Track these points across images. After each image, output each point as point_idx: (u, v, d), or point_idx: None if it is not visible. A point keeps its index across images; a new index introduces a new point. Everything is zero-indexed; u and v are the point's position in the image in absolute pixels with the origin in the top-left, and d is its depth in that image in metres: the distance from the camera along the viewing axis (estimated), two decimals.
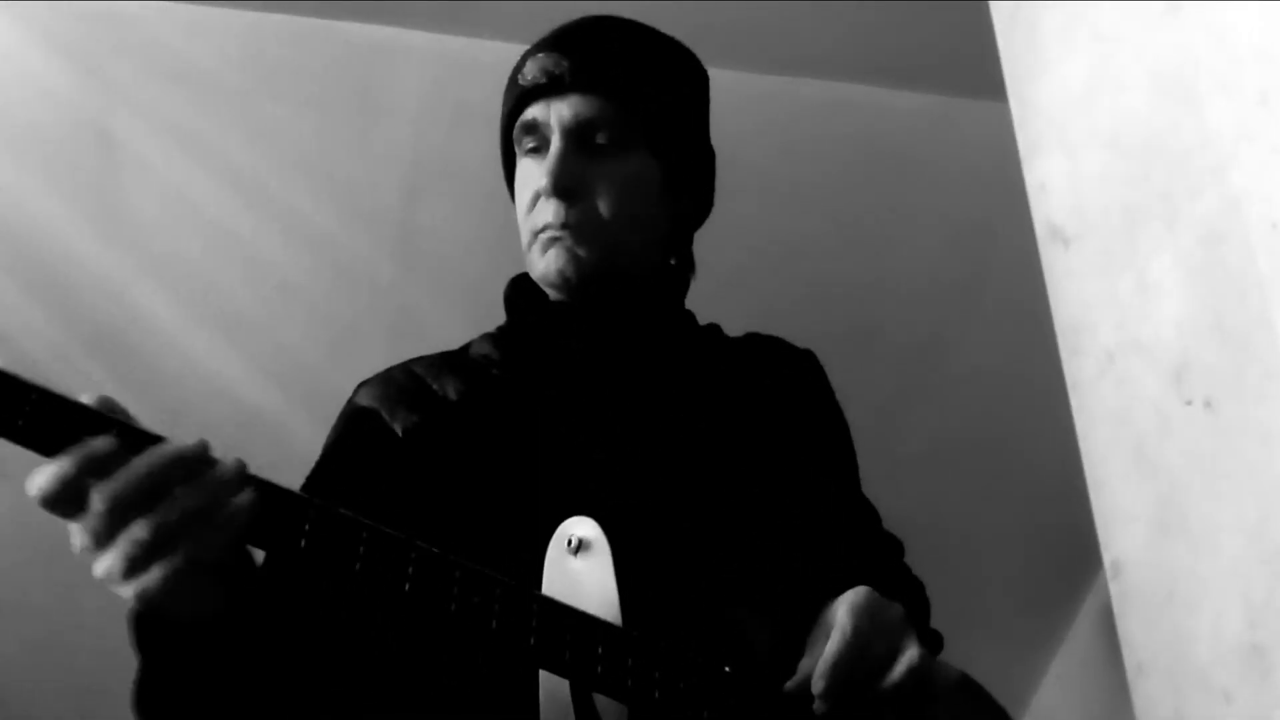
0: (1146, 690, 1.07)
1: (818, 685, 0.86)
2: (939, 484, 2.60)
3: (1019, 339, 2.12)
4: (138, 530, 0.71)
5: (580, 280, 1.09)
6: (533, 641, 0.80)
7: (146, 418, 0.80)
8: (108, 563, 0.72)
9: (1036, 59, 1.25)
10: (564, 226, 1.08)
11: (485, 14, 2.13)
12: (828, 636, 0.89)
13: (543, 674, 0.85)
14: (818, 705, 0.87)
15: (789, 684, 0.89)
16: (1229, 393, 0.97)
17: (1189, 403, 1.01)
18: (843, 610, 0.89)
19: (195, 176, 2.26)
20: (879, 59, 2.35)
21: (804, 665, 0.90)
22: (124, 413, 0.77)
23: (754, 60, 2.33)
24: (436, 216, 2.35)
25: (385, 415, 1.06)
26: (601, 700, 0.84)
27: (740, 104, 2.40)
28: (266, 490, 0.77)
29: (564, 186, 1.07)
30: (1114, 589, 1.12)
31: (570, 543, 0.89)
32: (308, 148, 2.30)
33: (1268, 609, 0.92)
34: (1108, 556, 1.13)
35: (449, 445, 1.03)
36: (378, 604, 0.88)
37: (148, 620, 0.79)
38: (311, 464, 1.09)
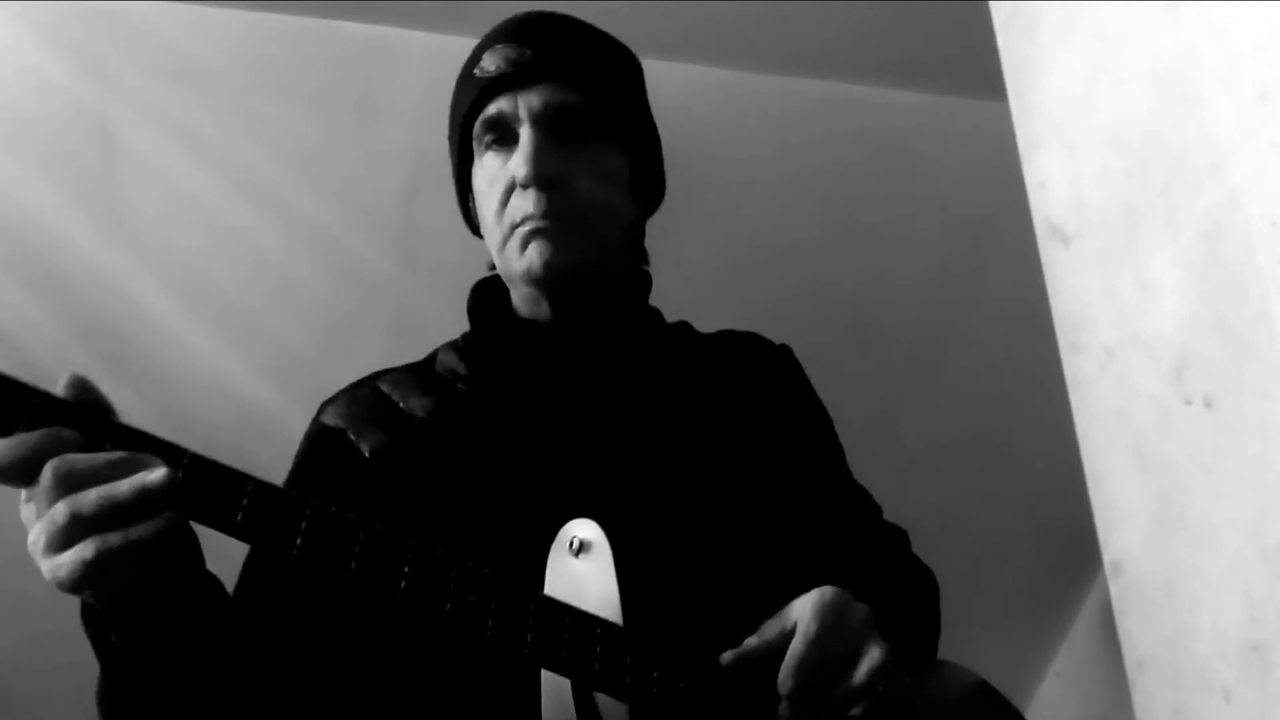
0: (1146, 687, 1.07)
1: (784, 686, 0.85)
2: (938, 481, 2.60)
3: (1019, 336, 2.12)
4: (59, 508, 0.72)
5: (565, 271, 1.06)
6: (530, 640, 0.80)
7: (145, 415, 0.80)
8: (35, 532, 0.74)
9: (1036, 57, 1.25)
10: (546, 215, 1.04)
11: (485, 14, 2.13)
12: (782, 627, 0.88)
13: (545, 673, 0.85)
14: (783, 708, 0.86)
15: (726, 656, 0.88)
16: (1229, 389, 0.97)
17: (1189, 399, 1.01)
18: (807, 609, 0.88)
19: (196, 175, 2.26)
20: (879, 58, 2.36)
21: (748, 643, 0.88)
22: (96, 392, 0.78)
23: (754, 59, 2.33)
24: (436, 215, 2.34)
25: (352, 435, 1.05)
26: (604, 700, 0.84)
27: (740, 103, 2.41)
28: (261, 489, 0.77)
29: (545, 175, 1.04)
30: (1114, 586, 1.12)
31: (572, 544, 0.89)
32: (308, 146, 2.30)
33: (1268, 606, 0.92)
34: (1107, 554, 1.13)
35: (418, 464, 1.02)
36: (373, 605, 0.88)
37: (99, 623, 0.79)
38: None
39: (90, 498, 0.72)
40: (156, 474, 0.74)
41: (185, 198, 2.27)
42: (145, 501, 0.73)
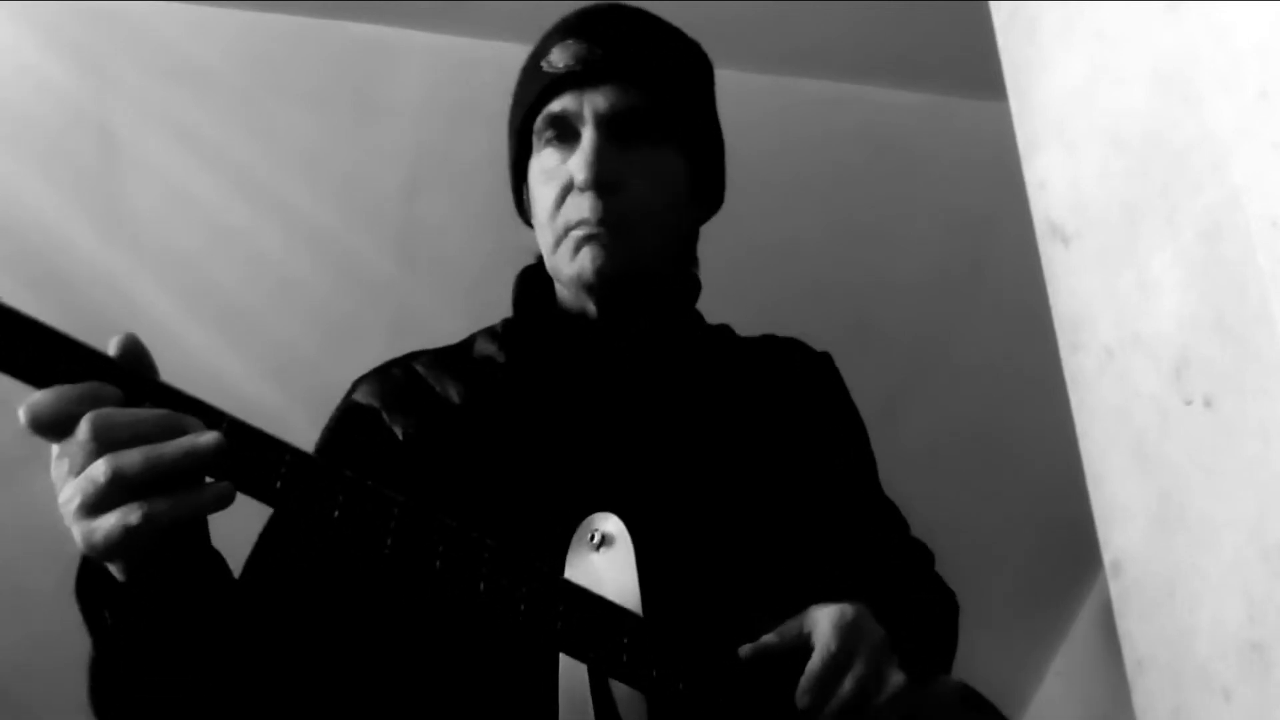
0: (1146, 687, 1.07)
1: (802, 701, 0.85)
2: (938, 481, 2.60)
3: (1018, 335, 2.12)
4: (99, 466, 0.68)
5: (615, 278, 1.05)
6: (559, 626, 0.80)
7: None
8: (69, 491, 0.69)
9: (1036, 56, 1.25)
10: (602, 222, 1.04)
11: (485, 14, 2.13)
12: (799, 631, 0.87)
13: (562, 662, 0.85)
14: None
15: (745, 649, 0.87)
16: (1229, 389, 0.97)
17: (1189, 399, 1.01)
18: (829, 625, 0.87)
19: (196, 174, 2.26)
20: (879, 58, 2.36)
21: (767, 639, 0.88)
22: (143, 350, 0.76)
23: (754, 59, 2.33)
24: (436, 214, 2.35)
25: (385, 416, 1.04)
26: (620, 690, 0.84)
27: (740, 103, 2.40)
28: (301, 460, 0.76)
29: (604, 180, 1.03)
30: (1114, 586, 1.12)
31: (593, 538, 0.89)
32: (308, 145, 2.30)
33: (1268, 606, 0.92)
34: (1107, 553, 1.13)
35: (450, 450, 1.01)
36: (406, 582, 0.87)
37: (96, 598, 0.76)
38: None
39: (135, 457, 0.68)
40: (207, 437, 0.70)
41: (185, 198, 2.27)
42: (194, 466, 0.69)
